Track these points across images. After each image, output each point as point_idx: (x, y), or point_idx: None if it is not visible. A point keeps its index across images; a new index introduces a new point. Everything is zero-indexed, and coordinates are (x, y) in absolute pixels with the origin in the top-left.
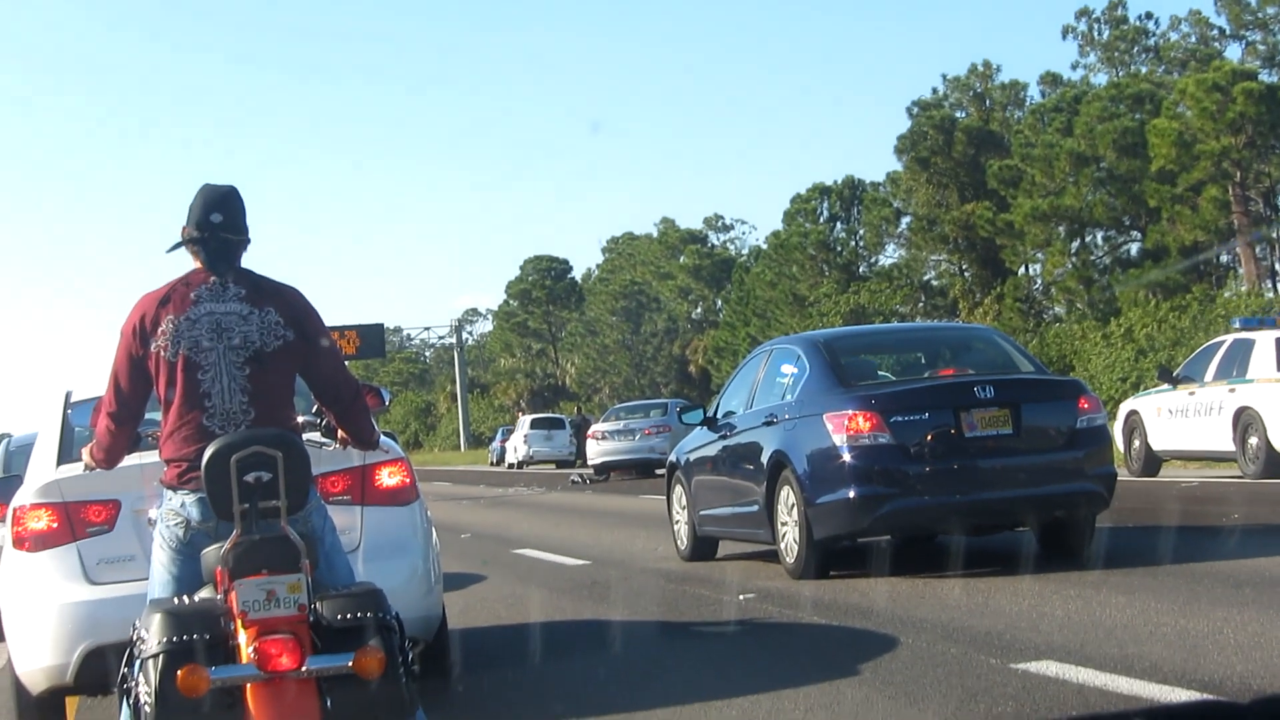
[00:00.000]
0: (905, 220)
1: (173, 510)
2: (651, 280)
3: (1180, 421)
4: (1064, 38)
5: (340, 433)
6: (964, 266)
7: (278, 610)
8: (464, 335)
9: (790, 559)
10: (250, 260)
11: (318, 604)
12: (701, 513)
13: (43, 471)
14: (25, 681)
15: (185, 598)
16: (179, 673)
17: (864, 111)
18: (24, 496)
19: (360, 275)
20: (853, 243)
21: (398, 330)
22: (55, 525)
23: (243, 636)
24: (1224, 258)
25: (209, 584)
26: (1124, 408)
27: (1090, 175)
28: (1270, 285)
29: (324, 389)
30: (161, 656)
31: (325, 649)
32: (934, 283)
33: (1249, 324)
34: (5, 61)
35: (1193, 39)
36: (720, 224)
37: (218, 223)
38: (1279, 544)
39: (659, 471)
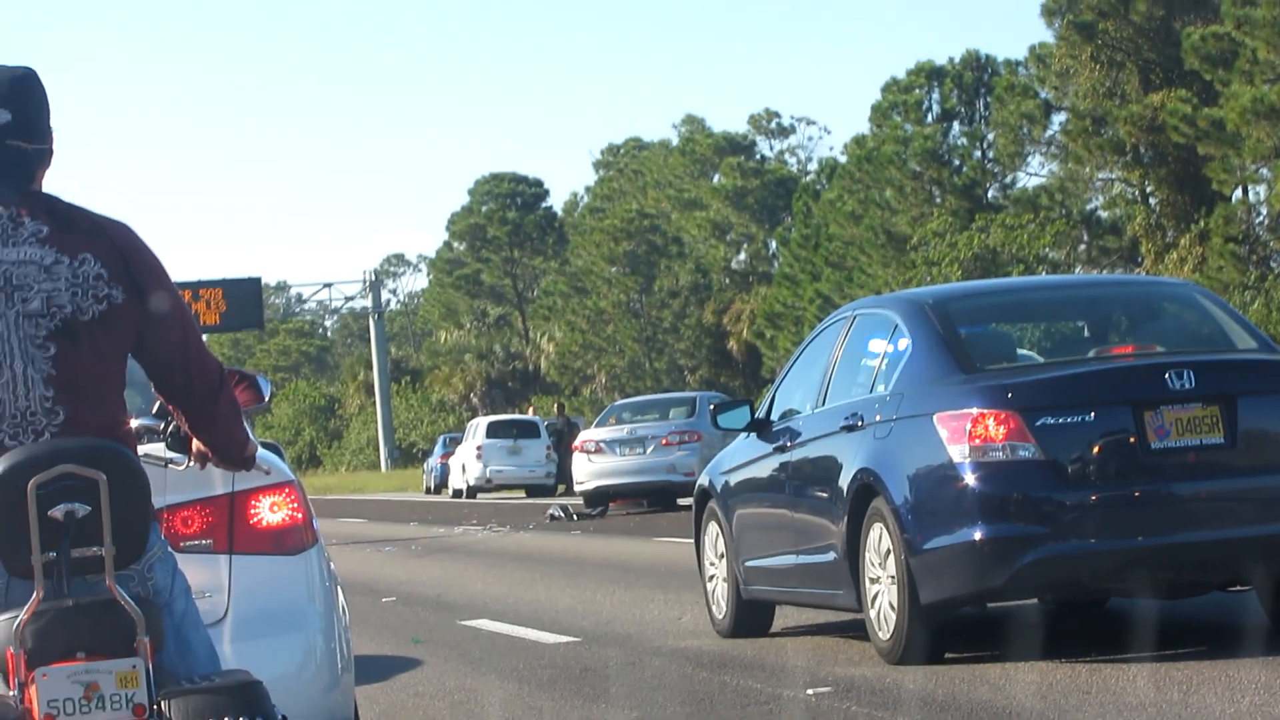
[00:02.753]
0: (1059, 119)
1: None
2: (670, 211)
3: None
4: None
5: (195, 443)
6: (1149, 189)
7: (102, 715)
8: (384, 295)
9: (885, 634)
10: (63, 189)
11: (164, 704)
12: (749, 564)
13: None
14: None
15: None
16: None
17: None
18: None
19: (230, 210)
20: (978, 154)
21: (283, 288)
22: None
23: None
24: None
25: None
26: None
27: None
28: None
29: (169, 376)
30: None
31: None
32: (1103, 214)
33: None
34: None
35: None
36: (775, 126)
37: (3, 123)
38: None
39: (683, 502)
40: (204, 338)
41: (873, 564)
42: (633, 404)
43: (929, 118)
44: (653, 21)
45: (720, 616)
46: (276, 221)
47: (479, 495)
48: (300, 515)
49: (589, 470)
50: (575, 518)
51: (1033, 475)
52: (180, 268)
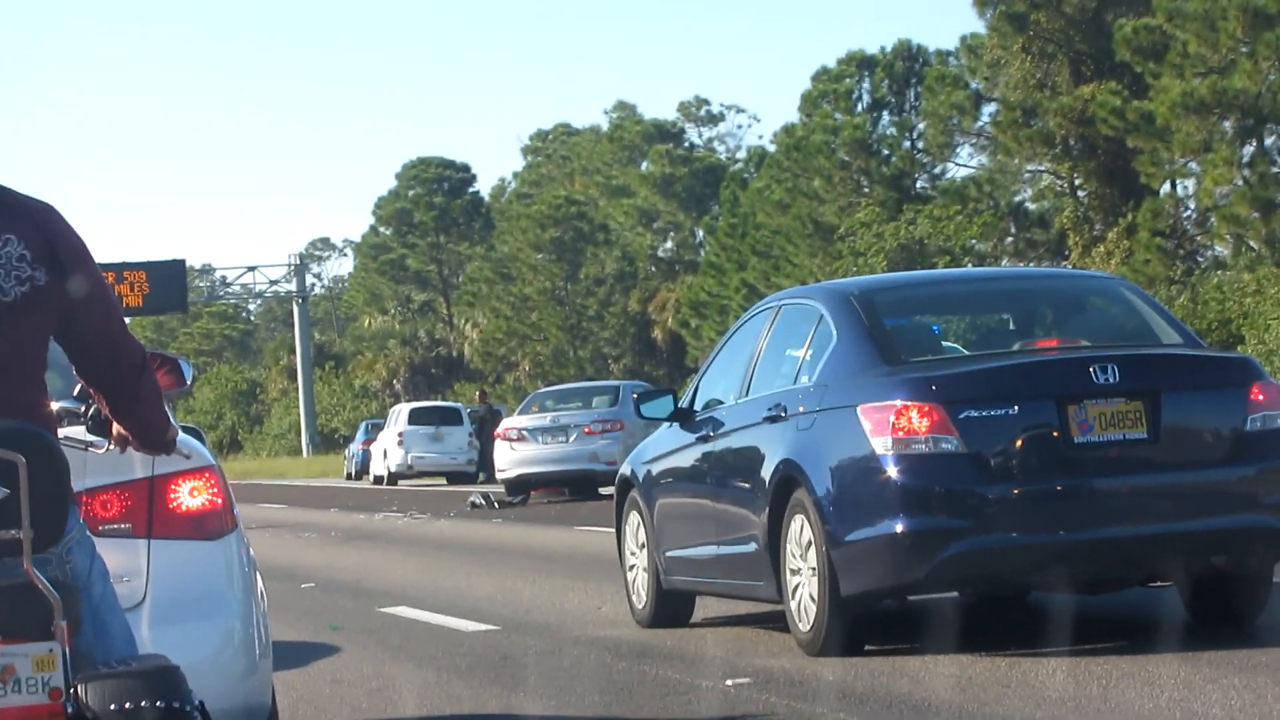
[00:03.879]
0: (988, 110)
1: None
2: (598, 198)
3: None
4: None
5: (116, 427)
6: (1078, 182)
7: (18, 698)
8: (309, 280)
9: (805, 625)
10: None
11: (80, 688)
12: (669, 554)
13: None
14: None
15: None
16: None
17: None
18: None
19: (154, 191)
20: (908, 144)
21: (207, 271)
22: None
23: None
24: None
25: None
26: None
27: (1275, 43)
28: None
29: (91, 358)
30: None
31: None
32: (1031, 206)
33: None
34: None
35: None
36: (704, 113)
37: None
38: None
39: (605, 491)
40: (127, 320)
41: (794, 555)
42: (556, 392)
43: (859, 107)
44: (584, 6)
45: (640, 606)
46: (201, 204)
47: (400, 482)
48: (220, 500)
49: (511, 458)
50: (496, 505)
51: (955, 468)
52: (104, 249)
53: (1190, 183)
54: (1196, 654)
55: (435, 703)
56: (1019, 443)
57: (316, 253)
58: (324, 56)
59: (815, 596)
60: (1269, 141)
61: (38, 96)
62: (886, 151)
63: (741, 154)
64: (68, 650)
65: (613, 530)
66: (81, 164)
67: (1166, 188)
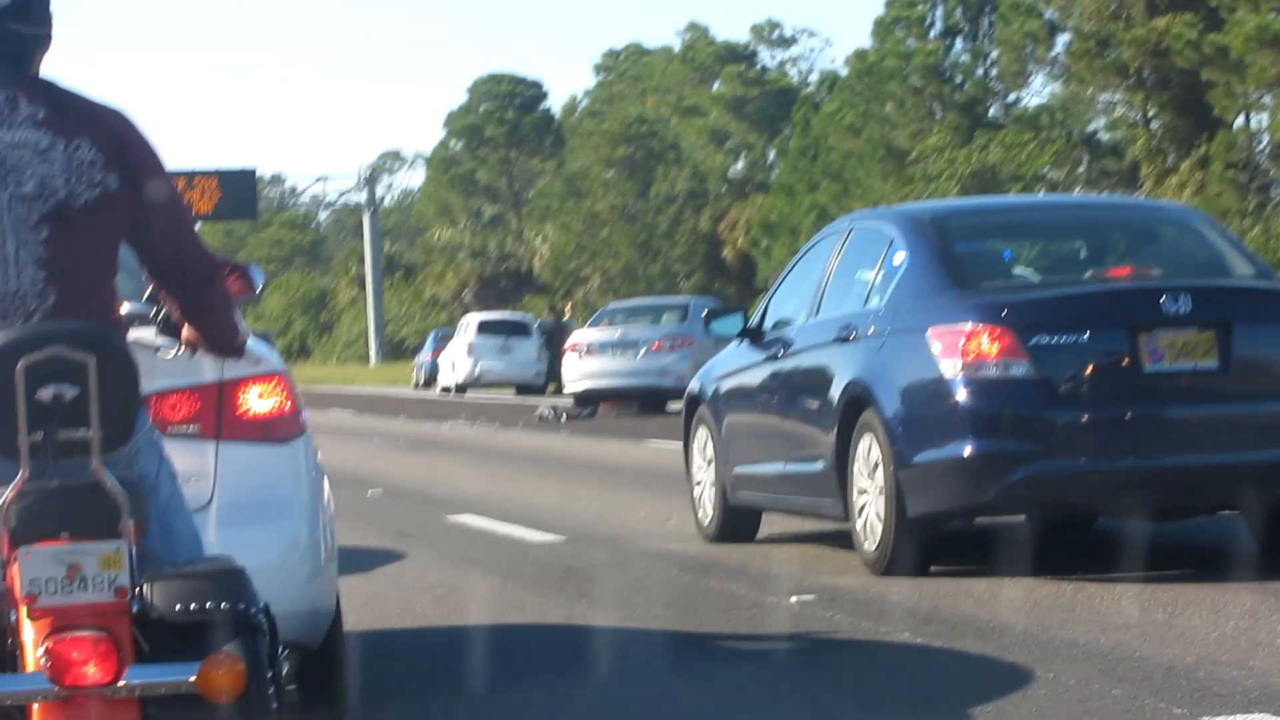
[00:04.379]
0: (1062, 40)
1: None
2: (670, 117)
3: None
4: None
5: (186, 330)
6: (1151, 113)
7: (84, 595)
8: (380, 191)
9: (871, 545)
10: (58, 75)
11: (145, 587)
12: (737, 470)
13: None
14: None
15: None
16: None
17: None
18: None
19: (227, 99)
20: (980, 71)
21: (278, 180)
22: None
23: (29, 632)
24: None
25: None
26: None
27: None
28: None
29: (162, 263)
30: None
31: (155, 655)
32: (1104, 136)
33: None
34: None
35: None
36: (777, 36)
37: (2, 6)
38: None
39: (673, 406)
40: (197, 227)
41: (861, 475)
42: (626, 308)
43: (932, 34)
44: None
45: (706, 521)
46: (273, 114)
47: (468, 392)
48: (289, 405)
49: (580, 371)
50: (565, 418)
51: (1024, 393)
52: (175, 156)
53: (1264, 116)
54: (1263, 583)
55: (499, 611)
56: (1089, 370)
57: (387, 165)
58: None
59: (882, 516)
60: None
61: (113, 2)
62: (959, 78)
63: (814, 77)
64: (134, 550)
65: (680, 445)
66: (155, 70)
67: (1240, 121)
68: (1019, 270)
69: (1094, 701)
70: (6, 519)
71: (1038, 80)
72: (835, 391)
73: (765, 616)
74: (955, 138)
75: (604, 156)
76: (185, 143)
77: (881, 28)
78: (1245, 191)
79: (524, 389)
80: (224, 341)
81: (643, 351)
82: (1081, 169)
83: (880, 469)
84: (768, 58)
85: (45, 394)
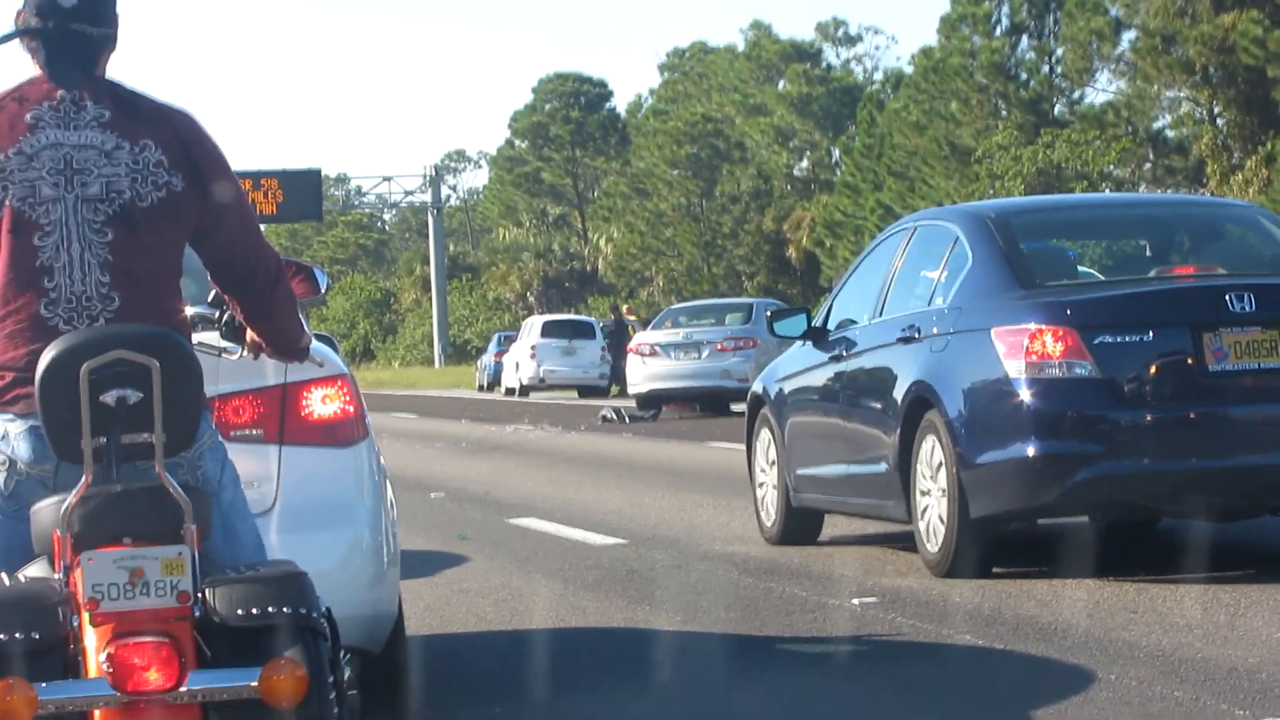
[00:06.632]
0: (1127, 37)
1: None
2: (734, 116)
3: None
4: None
5: (250, 334)
6: (1217, 110)
7: (146, 600)
8: (445, 191)
9: (934, 547)
10: (123, 75)
11: (208, 592)
12: (800, 472)
13: None
14: None
15: (3, 576)
16: None
17: None
18: None
19: (291, 100)
20: (1046, 69)
21: (343, 181)
22: None
23: (91, 638)
24: None
25: (42, 556)
26: None
27: None
28: None
29: (227, 266)
30: None
31: (217, 661)
32: (1169, 133)
33: None
34: None
35: None
36: (842, 34)
37: (69, 6)
38: None
39: (737, 408)
40: (262, 228)
41: (924, 476)
42: (690, 308)
43: (997, 31)
44: None
45: (769, 524)
46: (338, 114)
47: (531, 394)
48: (352, 408)
49: (644, 373)
50: (627, 420)
51: (1088, 393)
52: (240, 157)
53: None
54: None
55: (561, 615)
56: (1153, 369)
57: (451, 164)
58: None
59: (945, 518)
60: None
61: (179, 2)
62: (1025, 76)
63: (879, 75)
64: (197, 554)
65: (743, 447)
66: (220, 71)
67: None
68: (1084, 269)
69: (1156, 704)
70: (70, 524)
71: (1103, 77)
72: (898, 392)
73: (827, 619)
74: (1020, 136)
75: (668, 156)
76: (250, 143)
77: (947, 25)
78: None
79: (587, 391)
80: (288, 344)
81: (706, 353)
82: (1147, 166)
83: (943, 470)
84: (832, 56)
85: (109, 398)
